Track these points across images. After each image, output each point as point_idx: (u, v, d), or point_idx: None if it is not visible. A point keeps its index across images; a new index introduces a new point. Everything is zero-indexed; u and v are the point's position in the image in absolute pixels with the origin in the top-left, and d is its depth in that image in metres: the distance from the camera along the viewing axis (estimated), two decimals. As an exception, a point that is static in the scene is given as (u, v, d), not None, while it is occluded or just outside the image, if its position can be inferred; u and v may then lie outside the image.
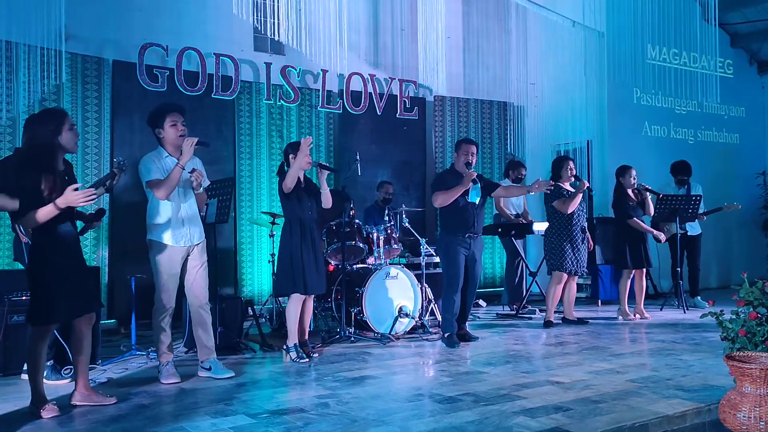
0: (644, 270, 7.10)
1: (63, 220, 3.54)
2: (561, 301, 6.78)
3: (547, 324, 6.51)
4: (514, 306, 7.64)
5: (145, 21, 7.15)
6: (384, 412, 3.48)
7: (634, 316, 6.97)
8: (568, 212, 6.45)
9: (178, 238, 4.29)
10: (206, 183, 4.55)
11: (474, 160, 5.57)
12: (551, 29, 9.54)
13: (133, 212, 5.92)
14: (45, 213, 3.38)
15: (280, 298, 6.36)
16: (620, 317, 6.99)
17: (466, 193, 5.47)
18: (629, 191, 7.01)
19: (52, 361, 4.36)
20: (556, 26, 9.36)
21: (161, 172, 4.25)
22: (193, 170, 4.31)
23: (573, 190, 6.53)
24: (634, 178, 6.99)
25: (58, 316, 3.57)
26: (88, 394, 3.75)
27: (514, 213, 7.80)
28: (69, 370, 4.36)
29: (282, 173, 5.11)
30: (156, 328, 4.33)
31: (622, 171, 7.05)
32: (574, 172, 6.63)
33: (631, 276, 7.07)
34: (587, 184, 6.59)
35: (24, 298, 4.53)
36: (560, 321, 6.71)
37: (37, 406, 3.53)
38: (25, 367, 4.39)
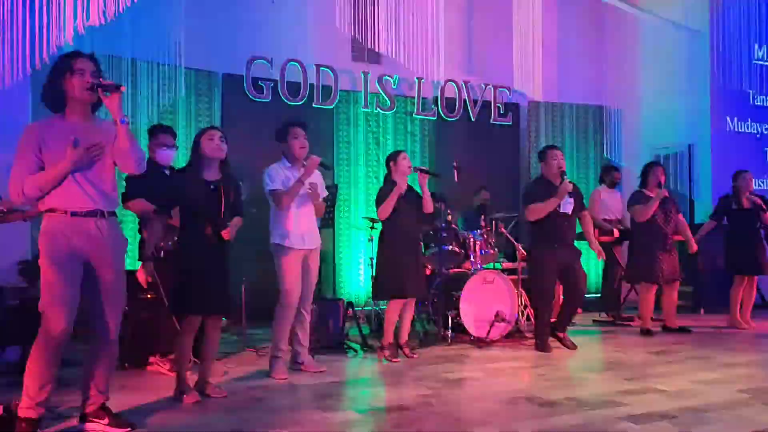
0: (755, 277, 6.86)
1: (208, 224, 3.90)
2: (660, 308, 6.63)
3: (645, 332, 6.38)
4: (611, 313, 7.52)
5: (252, 35, 7.53)
6: (486, 413, 3.58)
7: (746, 325, 6.75)
8: (643, 220, 6.31)
9: (299, 242, 4.58)
10: (324, 194, 4.85)
11: (564, 165, 5.54)
12: (650, 31, 9.32)
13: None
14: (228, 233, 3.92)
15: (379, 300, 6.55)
16: (732, 326, 6.77)
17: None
18: (744, 198, 6.83)
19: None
20: (655, 28, 9.14)
21: (282, 182, 4.56)
22: (312, 185, 4.61)
23: (652, 195, 6.38)
24: (750, 182, 6.85)
25: (193, 308, 3.87)
26: (208, 388, 4.04)
27: (613, 219, 7.68)
28: (192, 364, 4.68)
29: (386, 182, 5.30)
30: (278, 326, 4.58)
31: (737, 176, 6.89)
32: (663, 180, 6.45)
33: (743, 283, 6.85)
34: (665, 192, 6.39)
35: (149, 296, 4.90)
36: (660, 329, 6.57)
37: (181, 392, 3.87)
38: (151, 359, 4.82)
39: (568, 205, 5.49)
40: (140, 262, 5.22)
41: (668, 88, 9.14)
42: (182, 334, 3.94)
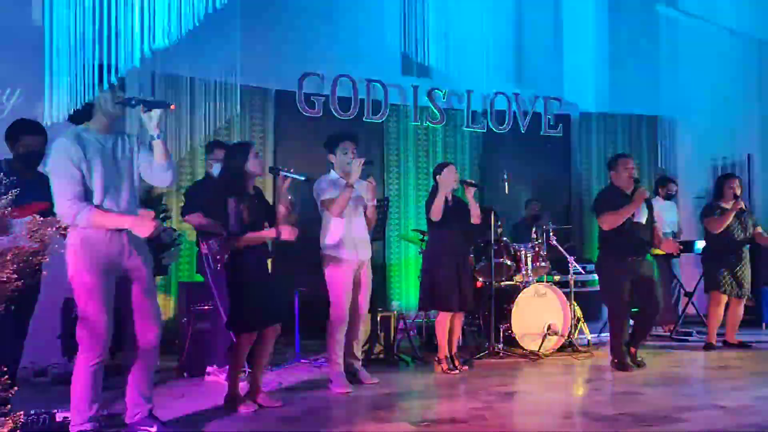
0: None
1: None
2: (723, 323, 6.45)
3: (708, 347, 6.21)
4: (668, 327, 7.35)
5: (303, 52, 7.67)
6: (541, 427, 3.56)
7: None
8: (716, 232, 6.16)
9: (350, 253, 4.62)
10: (374, 201, 4.90)
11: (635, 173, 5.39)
12: (706, 39, 9.13)
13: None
14: (265, 235, 3.97)
15: (429, 311, 6.56)
16: None
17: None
18: None
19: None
20: (711, 35, 8.95)
21: (333, 192, 4.60)
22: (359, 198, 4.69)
23: (727, 207, 6.22)
24: None
25: (255, 325, 3.97)
26: (260, 396, 4.12)
27: (669, 231, 7.51)
28: (245, 373, 4.79)
29: (433, 194, 5.34)
30: (330, 338, 4.61)
31: None
32: (738, 192, 6.28)
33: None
34: (741, 205, 6.22)
35: (206, 307, 5.05)
36: (721, 344, 6.39)
37: (234, 401, 3.96)
38: (209, 368, 4.95)
39: (642, 215, 5.32)
40: (198, 274, 5.41)
41: (725, 96, 8.92)
42: (239, 347, 4.01)
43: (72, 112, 3.14)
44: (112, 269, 3.18)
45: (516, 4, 8.98)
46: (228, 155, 4.17)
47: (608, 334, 5.51)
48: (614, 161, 5.53)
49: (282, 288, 4.16)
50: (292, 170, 4.12)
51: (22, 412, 2.22)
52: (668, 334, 7.24)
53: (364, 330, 5.10)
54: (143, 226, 3.16)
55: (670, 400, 4.13)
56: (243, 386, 4.11)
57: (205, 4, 2.96)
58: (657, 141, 9.33)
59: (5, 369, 2.32)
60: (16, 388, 2.24)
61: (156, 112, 3.15)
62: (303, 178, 4.18)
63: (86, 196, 3.11)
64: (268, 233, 3.99)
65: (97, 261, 3.12)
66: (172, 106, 3.18)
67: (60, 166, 3.08)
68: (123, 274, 3.23)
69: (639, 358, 5.35)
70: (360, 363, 4.88)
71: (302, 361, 5.59)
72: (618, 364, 5.20)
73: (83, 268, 3.10)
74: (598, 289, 5.86)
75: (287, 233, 3.98)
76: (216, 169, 5.04)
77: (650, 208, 5.48)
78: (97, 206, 3.11)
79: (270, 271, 4.13)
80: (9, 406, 2.39)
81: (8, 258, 2.43)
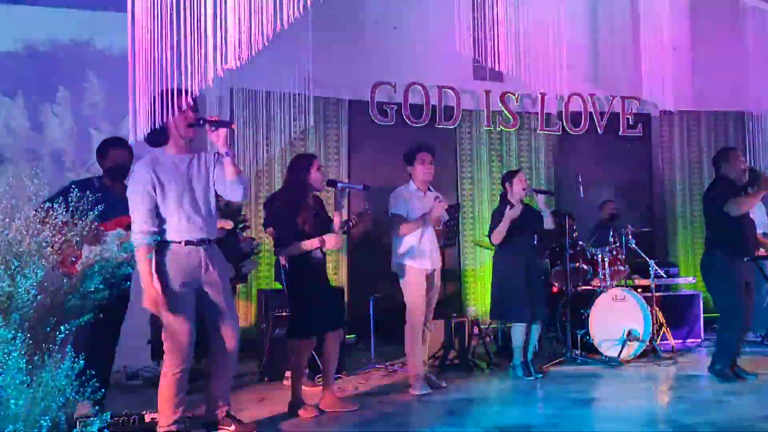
0: None
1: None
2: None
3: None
4: (761, 332, 7.00)
5: (376, 61, 7.79)
6: (616, 435, 3.49)
7: None
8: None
9: (422, 262, 4.68)
10: (445, 218, 4.96)
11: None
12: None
13: (369, 238, 6.49)
14: (309, 244, 4.02)
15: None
16: None
17: None
18: None
19: (306, 370, 4.97)
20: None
21: (406, 208, 4.71)
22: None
23: None
24: None
25: (313, 331, 4.11)
26: (335, 401, 4.23)
27: (761, 232, 7.15)
28: (320, 378, 4.92)
29: (502, 201, 5.32)
30: (410, 343, 4.66)
31: None
32: None
33: None
34: None
35: (284, 314, 5.21)
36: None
37: (296, 407, 4.09)
38: (287, 373, 5.10)
39: (756, 212, 5.02)
40: (277, 282, 5.60)
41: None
42: (298, 353, 4.14)
43: (147, 136, 3.33)
44: (191, 281, 3.36)
45: (590, 1, 8.80)
46: (290, 168, 4.30)
47: (716, 340, 5.12)
48: (725, 153, 5.15)
49: (340, 296, 4.25)
50: (348, 181, 4.23)
51: (109, 412, 2.39)
52: (760, 340, 6.90)
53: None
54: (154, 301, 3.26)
55: (754, 409, 3.96)
56: (317, 392, 4.24)
57: (276, 21, 3.09)
58: (744, 138, 8.90)
59: (95, 373, 2.50)
60: (104, 390, 2.40)
61: (222, 131, 3.30)
62: (361, 188, 4.29)
63: (158, 217, 3.32)
64: (310, 243, 4.05)
65: (177, 274, 3.31)
66: (233, 125, 3.32)
67: (133, 192, 3.32)
68: (202, 286, 3.40)
69: (740, 368, 4.95)
70: (427, 368, 4.91)
71: (378, 366, 5.68)
72: (720, 372, 4.84)
73: (166, 282, 3.29)
74: (710, 292, 5.20)
75: (331, 243, 4.09)
76: None
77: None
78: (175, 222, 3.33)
79: (327, 278, 4.22)
80: (99, 406, 2.57)
81: (96, 270, 2.62)
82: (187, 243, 3.34)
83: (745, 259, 4.91)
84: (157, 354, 5.12)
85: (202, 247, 3.38)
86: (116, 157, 4.09)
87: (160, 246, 3.31)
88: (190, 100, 3.31)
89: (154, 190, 3.30)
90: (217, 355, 3.49)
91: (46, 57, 4.96)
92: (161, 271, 3.29)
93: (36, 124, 5.05)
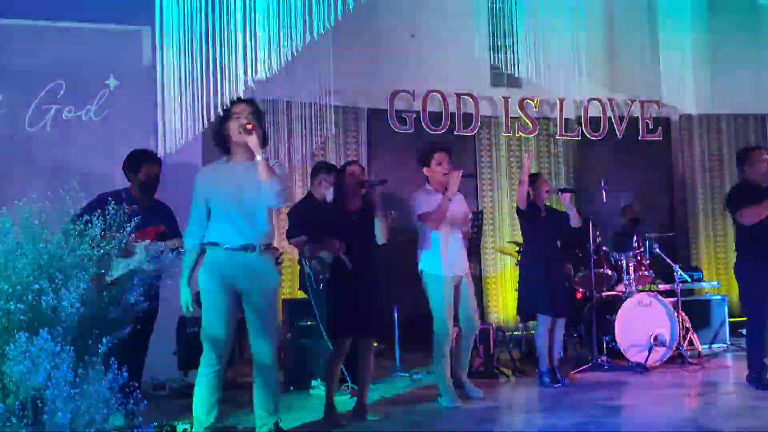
0: None
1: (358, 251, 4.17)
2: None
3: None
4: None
5: (394, 69, 7.82)
6: (650, 442, 3.47)
7: None
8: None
9: (448, 268, 4.62)
10: (468, 225, 4.97)
11: None
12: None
13: (393, 245, 6.47)
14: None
15: (528, 323, 6.50)
16: None
17: None
18: None
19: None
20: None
21: (429, 205, 4.62)
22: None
23: None
24: None
25: (341, 331, 4.13)
26: (363, 410, 4.22)
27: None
28: (347, 388, 4.92)
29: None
30: (436, 354, 4.59)
31: None
32: None
33: None
34: None
35: (309, 323, 5.21)
36: None
37: (330, 414, 4.10)
38: (313, 382, 5.11)
39: None
40: (300, 291, 5.62)
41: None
42: (332, 356, 4.18)
43: (218, 145, 3.49)
44: (229, 285, 3.39)
45: (607, 5, 8.78)
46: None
47: (745, 346, 5.03)
48: (746, 154, 5.08)
49: (384, 305, 4.26)
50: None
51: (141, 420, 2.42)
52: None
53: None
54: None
55: (789, 415, 3.92)
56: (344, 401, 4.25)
57: (302, 37, 3.13)
58: (766, 140, 8.82)
59: (137, 385, 2.52)
60: (145, 402, 2.43)
61: (254, 135, 3.32)
62: (377, 182, 4.33)
63: (205, 224, 3.44)
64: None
65: (216, 277, 3.37)
66: (250, 126, 3.32)
67: (194, 200, 3.47)
68: (241, 291, 3.42)
69: None
70: (466, 375, 4.86)
71: (402, 374, 5.66)
72: (756, 380, 4.71)
73: (206, 284, 3.37)
74: (741, 297, 5.06)
75: (333, 247, 4.15)
76: (319, 192, 5.22)
77: None
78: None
79: (373, 287, 4.22)
80: (136, 417, 2.59)
81: (134, 282, 2.65)
82: (228, 248, 3.38)
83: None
84: (184, 365, 5.16)
85: (244, 253, 3.39)
86: (150, 171, 4.16)
87: (205, 248, 3.41)
88: (244, 105, 3.45)
89: (207, 197, 3.40)
90: (254, 366, 3.50)
91: (75, 72, 5.02)
92: (202, 272, 3.37)
93: (65, 138, 5.11)
